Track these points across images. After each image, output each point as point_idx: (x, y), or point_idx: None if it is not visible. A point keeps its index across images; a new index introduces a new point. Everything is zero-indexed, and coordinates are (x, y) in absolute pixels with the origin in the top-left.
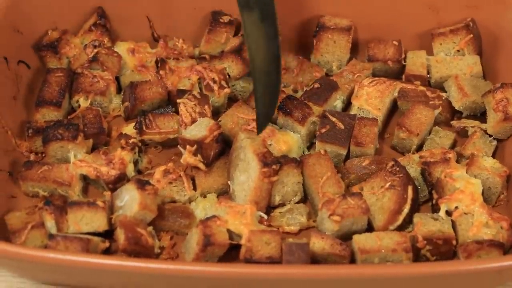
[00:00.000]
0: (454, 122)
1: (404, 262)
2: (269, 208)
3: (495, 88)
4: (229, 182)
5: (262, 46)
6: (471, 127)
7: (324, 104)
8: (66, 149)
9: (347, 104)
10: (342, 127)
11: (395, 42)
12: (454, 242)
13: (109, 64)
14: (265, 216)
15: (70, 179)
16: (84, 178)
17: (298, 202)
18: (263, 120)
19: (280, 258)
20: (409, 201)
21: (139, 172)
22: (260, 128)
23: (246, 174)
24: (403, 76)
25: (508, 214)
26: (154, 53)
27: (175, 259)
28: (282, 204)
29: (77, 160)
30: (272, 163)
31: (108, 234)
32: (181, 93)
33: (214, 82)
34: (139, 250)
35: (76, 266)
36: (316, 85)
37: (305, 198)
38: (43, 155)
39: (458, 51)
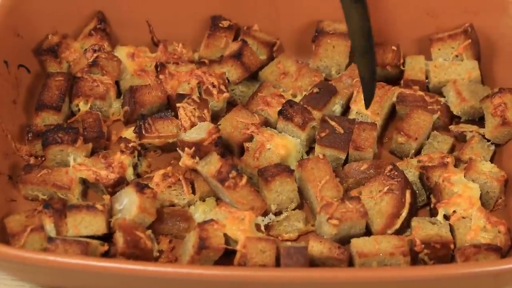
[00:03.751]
0: (452, 127)
1: (402, 266)
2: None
3: (493, 93)
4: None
5: (356, 25)
6: (469, 132)
7: (323, 108)
8: (65, 152)
9: (346, 109)
10: (342, 131)
11: (393, 47)
12: (452, 246)
13: (109, 68)
14: (266, 220)
15: (69, 182)
16: (84, 182)
17: (294, 209)
18: (370, 96)
19: (273, 267)
20: (407, 205)
21: (138, 175)
22: (368, 102)
23: (223, 194)
24: (402, 81)
25: (506, 219)
26: (153, 58)
27: (174, 262)
28: (279, 212)
29: (77, 164)
30: (228, 175)
31: (107, 237)
32: (181, 97)
33: (214, 86)
34: (137, 254)
35: (75, 269)
36: (315, 90)
37: (302, 203)
38: (43, 158)
39: (457, 56)
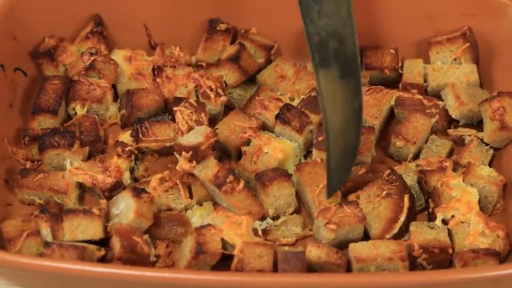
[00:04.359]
0: (450, 131)
1: (400, 271)
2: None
3: (491, 97)
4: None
5: (340, 103)
6: (468, 135)
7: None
8: (62, 156)
9: None
10: None
11: (392, 50)
12: (450, 251)
13: (105, 71)
14: (264, 224)
15: (66, 187)
16: (80, 186)
17: (292, 213)
18: (336, 185)
19: (271, 272)
20: (405, 210)
21: (135, 180)
22: (330, 193)
23: (220, 199)
24: (400, 85)
25: (505, 223)
26: (151, 61)
27: (171, 267)
28: (277, 217)
29: (73, 168)
30: (225, 180)
31: (104, 242)
32: (178, 101)
33: (211, 90)
34: (134, 258)
35: (72, 274)
36: (313, 94)
37: (300, 207)
38: (39, 162)
39: (455, 59)
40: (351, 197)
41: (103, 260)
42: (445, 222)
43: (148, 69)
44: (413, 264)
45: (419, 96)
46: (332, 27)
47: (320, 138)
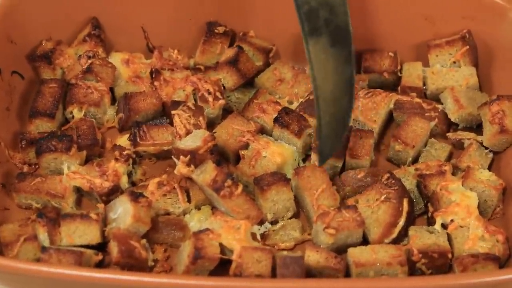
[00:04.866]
0: (450, 134)
1: (399, 276)
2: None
3: (491, 100)
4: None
5: (331, 71)
6: (467, 139)
7: None
8: (59, 160)
9: None
10: None
11: (390, 54)
12: (449, 256)
13: (103, 75)
14: (262, 229)
15: (63, 191)
16: (78, 190)
17: (291, 218)
18: (327, 154)
19: (269, 278)
20: (404, 214)
21: (133, 184)
22: (321, 162)
23: (219, 203)
24: (399, 88)
25: (504, 227)
26: (148, 64)
27: (169, 272)
28: (275, 221)
29: (71, 172)
30: (223, 184)
31: (102, 246)
32: (176, 104)
33: (209, 93)
34: (132, 263)
35: (69, 280)
36: (312, 97)
37: (299, 211)
38: (37, 166)
39: (454, 62)
40: (350, 201)
41: (100, 265)
42: (444, 226)
43: (146, 72)
44: (412, 269)
45: (418, 100)
46: None
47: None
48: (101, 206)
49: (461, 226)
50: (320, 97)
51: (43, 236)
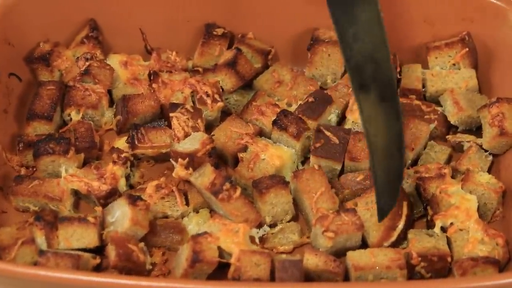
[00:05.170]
0: (449, 137)
1: (398, 279)
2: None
3: (490, 102)
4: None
5: (383, 127)
6: (467, 141)
7: (319, 118)
8: (57, 163)
9: (342, 118)
10: (337, 141)
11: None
12: (449, 259)
13: (101, 77)
14: (261, 232)
15: (61, 194)
16: (75, 193)
17: (289, 221)
18: (385, 210)
19: (268, 281)
20: (403, 217)
21: (131, 186)
22: (381, 218)
23: (217, 206)
24: (398, 90)
25: (504, 231)
26: (147, 66)
27: (167, 275)
28: (274, 225)
29: (68, 175)
30: (221, 187)
31: (99, 250)
32: (174, 106)
33: (208, 95)
34: (130, 267)
35: (67, 283)
36: (311, 99)
37: (297, 214)
38: (34, 169)
39: (454, 64)
40: (349, 204)
41: (98, 268)
42: (444, 229)
43: (144, 74)
44: (412, 273)
45: (417, 102)
46: (367, 51)
47: (318, 145)
48: (98, 209)
49: (460, 229)
50: (375, 153)
51: (41, 240)
